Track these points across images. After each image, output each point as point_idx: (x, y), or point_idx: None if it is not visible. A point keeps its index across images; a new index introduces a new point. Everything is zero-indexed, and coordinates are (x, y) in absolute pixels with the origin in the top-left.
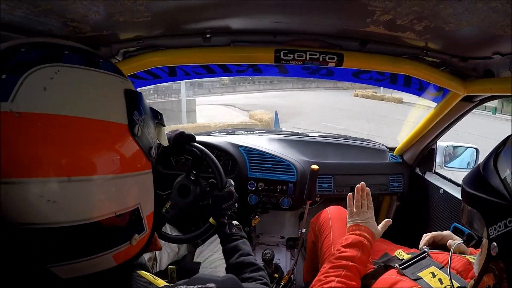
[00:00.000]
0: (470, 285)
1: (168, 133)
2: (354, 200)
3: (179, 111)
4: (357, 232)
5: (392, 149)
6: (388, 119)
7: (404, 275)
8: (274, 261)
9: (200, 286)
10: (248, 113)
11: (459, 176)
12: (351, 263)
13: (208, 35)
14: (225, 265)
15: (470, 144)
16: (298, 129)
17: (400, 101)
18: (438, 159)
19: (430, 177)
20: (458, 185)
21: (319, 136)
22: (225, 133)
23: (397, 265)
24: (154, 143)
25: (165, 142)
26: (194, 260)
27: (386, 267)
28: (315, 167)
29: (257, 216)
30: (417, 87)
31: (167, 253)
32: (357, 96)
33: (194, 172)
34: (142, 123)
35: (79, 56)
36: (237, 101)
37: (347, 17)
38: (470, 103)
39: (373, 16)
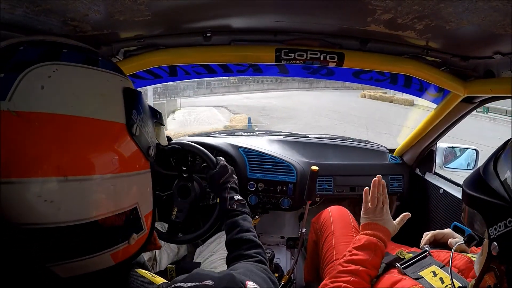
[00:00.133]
0: (471, 284)
1: None
2: (370, 195)
3: None
4: (371, 232)
5: (392, 151)
6: (392, 126)
7: (405, 274)
8: (274, 261)
9: (197, 283)
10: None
11: (459, 177)
12: (361, 268)
13: (208, 34)
14: (224, 266)
15: (470, 145)
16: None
17: (411, 104)
18: (438, 160)
19: (430, 178)
20: (457, 185)
21: (319, 138)
22: (224, 134)
23: (398, 265)
24: (153, 142)
25: (164, 142)
26: (194, 260)
27: (388, 267)
28: (315, 168)
29: (257, 216)
30: (417, 88)
31: (167, 253)
32: (364, 97)
33: (184, 168)
34: (141, 123)
35: (77, 54)
36: (233, 102)
37: (348, 16)
38: (470, 104)
39: (373, 15)
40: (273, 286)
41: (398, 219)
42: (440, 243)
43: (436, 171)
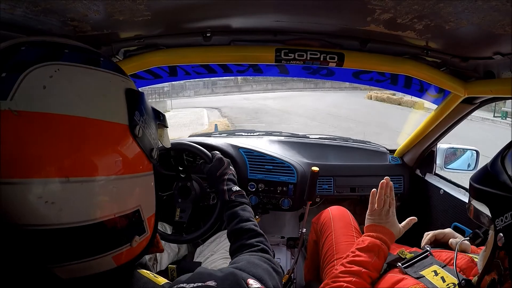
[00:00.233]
0: (474, 280)
1: None
2: (378, 196)
3: None
4: (375, 234)
5: (392, 151)
6: (394, 133)
7: (406, 273)
8: None
9: (200, 284)
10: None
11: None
12: (363, 270)
13: (208, 34)
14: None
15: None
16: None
17: (421, 107)
18: (438, 160)
19: (430, 178)
20: (458, 186)
21: (319, 138)
22: (225, 135)
23: (399, 264)
24: (156, 144)
25: (167, 144)
26: (194, 260)
27: (389, 266)
28: (315, 168)
29: (257, 216)
30: (417, 88)
31: (167, 253)
32: (370, 98)
33: (181, 168)
34: (144, 124)
35: (79, 55)
36: (229, 103)
37: (347, 15)
38: (471, 105)
39: (373, 15)
40: (276, 276)
41: (404, 222)
42: (441, 243)
43: (436, 172)
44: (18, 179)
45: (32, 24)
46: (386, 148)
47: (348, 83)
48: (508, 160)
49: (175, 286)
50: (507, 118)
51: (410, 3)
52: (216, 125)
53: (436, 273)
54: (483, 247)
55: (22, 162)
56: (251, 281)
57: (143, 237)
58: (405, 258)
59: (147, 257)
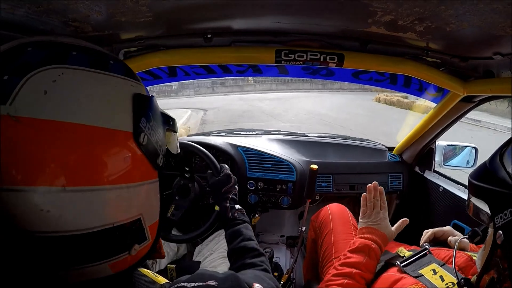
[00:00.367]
0: (473, 279)
1: None
2: (367, 200)
3: None
4: (366, 235)
5: (391, 149)
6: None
7: (405, 272)
8: (273, 260)
9: (201, 283)
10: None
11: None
12: (355, 271)
13: (209, 35)
14: (224, 265)
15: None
16: None
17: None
18: (437, 158)
19: (429, 175)
20: (457, 182)
21: (318, 136)
22: (224, 134)
23: (398, 263)
24: (162, 151)
25: (174, 150)
26: (193, 259)
27: (387, 265)
28: (314, 166)
29: (256, 215)
30: (417, 88)
31: (166, 252)
32: (378, 101)
33: (187, 169)
34: (150, 131)
35: (86, 57)
36: (221, 104)
37: (348, 17)
38: (470, 103)
39: (374, 17)
40: None
41: (396, 224)
42: (440, 241)
43: (435, 169)
44: (14, 186)
45: (33, 24)
46: (385, 146)
47: (358, 84)
48: (507, 157)
49: (176, 285)
50: None
51: (411, 6)
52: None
53: (435, 272)
54: (482, 245)
55: (19, 169)
56: (257, 285)
57: (144, 244)
58: (404, 256)
59: None
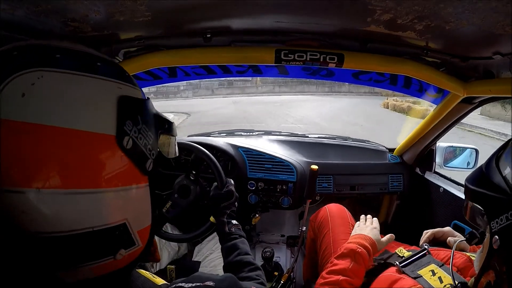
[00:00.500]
0: (470, 282)
1: None
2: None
3: None
4: (354, 240)
5: (391, 150)
6: None
7: (403, 273)
8: (274, 259)
9: (198, 284)
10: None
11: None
12: (341, 278)
13: (208, 35)
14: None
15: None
16: None
17: None
18: (438, 159)
19: (429, 177)
20: (458, 183)
21: (319, 137)
22: (224, 134)
23: (397, 263)
24: (153, 155)
25: (172, 154)
26: (192, 259)
27: (386, 265)
28: (314, 167)
29: (257, 215)
30: (417, 88)
31: (167, 251)
32: (386, 107)
33: (194, 172)
34: (137, 134)
35: (71, 60)
36: (210, 107)
37: (348, 16)
38: (470, 104)
39: (373, 16)
40: None
41: (385, 237)
42: (439, 242)
43: (436, 170)
44: None
45: (32, 24)
46: (385, 147)
47: (367, 87)
48: (503, 161)
49: (173, 286)
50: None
51: (410, 4)
52: None
53: (433, 273)
54: (481, 246)
55: None
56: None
57: (132, 249)
58: (403, 256)
59: None
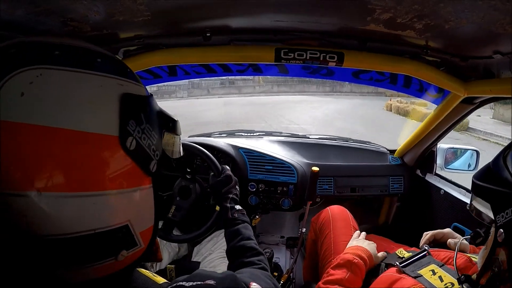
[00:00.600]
0: (473, 277)
1: None
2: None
3: None
4: (351, 251)
5: (392, 152)
6: None
7: (404, 273)
8: (273, 260)
9: (199, 282)
10: None
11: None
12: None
13: (208, 34)
14: (223, 265)
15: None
16: None
17: (464, 128)
18: (439, 161)
19: (430, 179)
20: (458, 186)
21: (320, 138)
22: (225, 135)
23: (397, 263)
24: (157, 156)
25: (176, 154)
26: (192, 259)
27: (387, 265)
28: (315, 169)
29: (257, 216)
30: (417, 88)
31: (168, 252)
32: (390, 109)
33: (189, 170)
34: (140, 134)
35: (70, 56)
36: (199, 108)
37: (347, 15)
38: (471, 105)
39: (373, 14)
40: None
41: (380, 253)
42: (439, 243)
43: (436, 172)
44: None
45: (32, 24)
46: (386, 149)
47: (371, 86)
48: (510, 158)
49: (174, 285)
50: None
51: (410, 3)
52: None
53: (434, 273)
54: (482, 247)
55: None
56: (254, 284)
57: (134, 250)
58: (403, 257)
59: None
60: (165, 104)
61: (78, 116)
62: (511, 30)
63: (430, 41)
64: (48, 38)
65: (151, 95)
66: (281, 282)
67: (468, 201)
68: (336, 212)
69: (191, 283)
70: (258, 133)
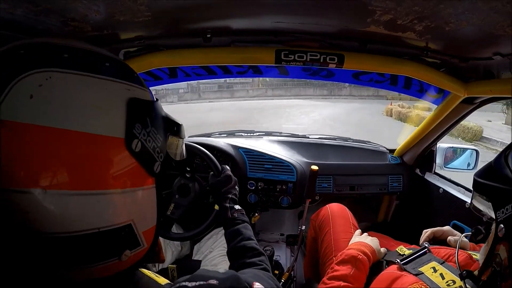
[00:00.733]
0: (475, 273)
1: None
2: None
3: None
4: (354, 247)
5: (392, 151)
6: None
7: (405, 270)
8: (274, 258)
9: (202, 282)
10: None
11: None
12: (343, 284)
13: (208, 35)
14: (224, 263)
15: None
16: None
17: (477, 138)
18: (438, 160)
19: (429, 177)
20: (458, 184)
21: (319, 138)
22: (225, 135)
23: (398, 260)
24: (161, 158)
25: (179, 157)
26: (193, 258)
27: (387, 263)
28: (314, 167)
29: (256, 214)
30: (417, 89)
31: (171, 251)
32: (390, 114)
33: (188, 169)
34: (145, 137)
35: (79, 60)
36: (187, 115)
37: (348, 17)
38: (471, 105)
39: (373, 16)
40: None
41: (382, 249)
42: (439, 241)
43: (435, 171)
44: None
45: (32, 24)
46: (385, 148)
47: (371, 90)
48: (511, 157)
49: (177, 285)
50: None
51: (410, 5)
52: None
53: (435, 270)
54: (482, 245)
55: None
56: (257, 284)
57: (137, 250)
58: (404, 254)
59: None
60: None
61: (85, 119)
62: (511, 32)
63: (430, 43)
64: (57, 39)
65: (157, 99)
66: (282, 280)
67: (467, 199)
68: (336, 209)
69: (193, 283)
70: (258, 133)
